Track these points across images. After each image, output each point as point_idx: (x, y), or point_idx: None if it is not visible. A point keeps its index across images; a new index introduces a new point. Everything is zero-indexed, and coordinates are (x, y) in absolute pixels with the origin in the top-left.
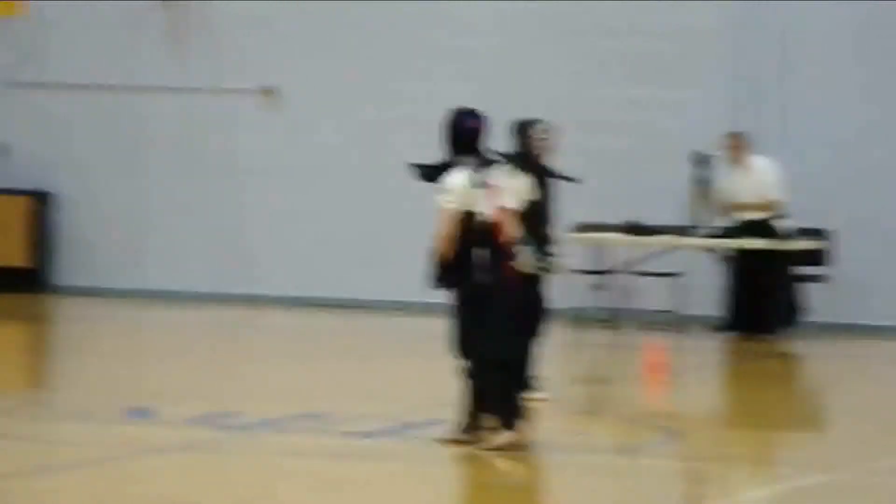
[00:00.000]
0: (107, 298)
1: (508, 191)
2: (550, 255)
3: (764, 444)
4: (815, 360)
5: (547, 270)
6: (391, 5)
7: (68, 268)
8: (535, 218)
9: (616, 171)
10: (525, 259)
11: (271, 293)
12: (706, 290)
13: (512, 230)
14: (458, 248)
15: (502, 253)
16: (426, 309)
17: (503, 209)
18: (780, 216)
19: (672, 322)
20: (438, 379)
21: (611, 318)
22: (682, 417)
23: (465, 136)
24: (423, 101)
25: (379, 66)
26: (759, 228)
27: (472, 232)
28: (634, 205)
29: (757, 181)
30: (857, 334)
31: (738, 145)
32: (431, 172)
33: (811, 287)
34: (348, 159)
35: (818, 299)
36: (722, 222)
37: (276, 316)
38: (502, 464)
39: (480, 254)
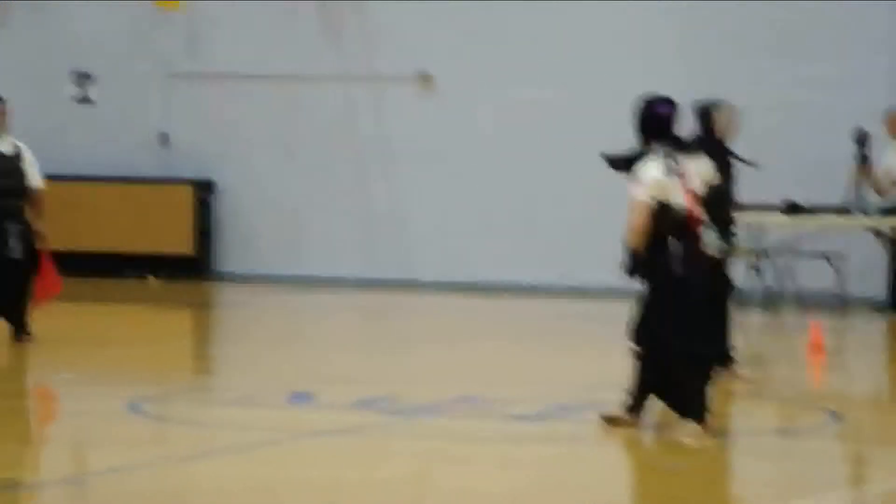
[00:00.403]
0: (267, 285)
1: (694, 175)
2: (734, 237)
3: None
4: None
5: (731, 253)
6: None
7: (230, 255)
8: (718, 201)
9: (775, 150)
10: (710, 242)
11: (427, 278)
12: (868, 270)
13: (699, 215)
14: (652, 238)
15: (696, 242)
16: (584, 293)
17: (692, 194)
18: None
19: (833, 303)
20: (597, 363)
21: (771, 300)
22: (843, 399)
23: (657, 123)
24: (580, 85)
25: (534, 50)
26: None
27: (667, 222)
28: (794, 184)
29: None
30: None
31: None
32: (624, 163)
33: None
34: (504, 144)
35: None
36: (884, 201)
37: (432, 301)
38: (664, 446)
39: (676, 245)
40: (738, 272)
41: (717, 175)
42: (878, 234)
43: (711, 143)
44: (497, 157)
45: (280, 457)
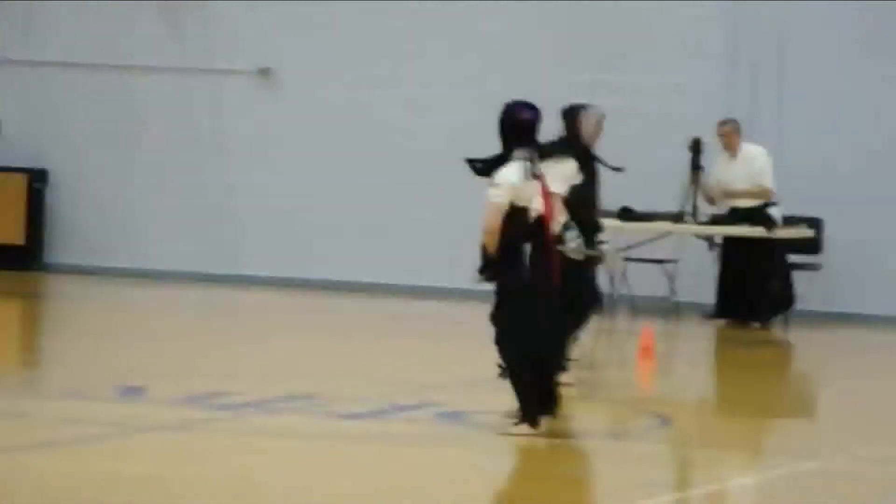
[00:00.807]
0: (100, 277)
1: (555, 176)
2: (599, 242)
3: (753, 430)
4: (806, 348)
5: (596, 257)
6: None
7: (62, 245)
8: (581, 204)
9: (611, 157)
10: (572, 245)
11: (261, 273)
12: (698, 276)
13: (559, 216)
14: (505, 241)
15: (549, 247)
16: (413, 291)
17: (550, 195)
18: (771, 204)
19: (664, 308)
20: (429, 361)
21: (604, 304)
22: (672, 403)
23: (517, 128)
24: (415, 82)
25: (371, 47)
26: (751, 216)
27: (520, 226)
28: (629, 191)
29: (748, 169)
30: (848, 323)
31: (729, 132)
32: (487, 167)
33: (803, 275)
34: (342, 141)
35: (809, 287)
36: (714, 209)
37: (266, 296)
38: (492, 447)
39: (527, 249)
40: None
41: (581, 177)
42: (709, 241)
43: (576, 147)
44: (334, 154)
45: (106, 451)
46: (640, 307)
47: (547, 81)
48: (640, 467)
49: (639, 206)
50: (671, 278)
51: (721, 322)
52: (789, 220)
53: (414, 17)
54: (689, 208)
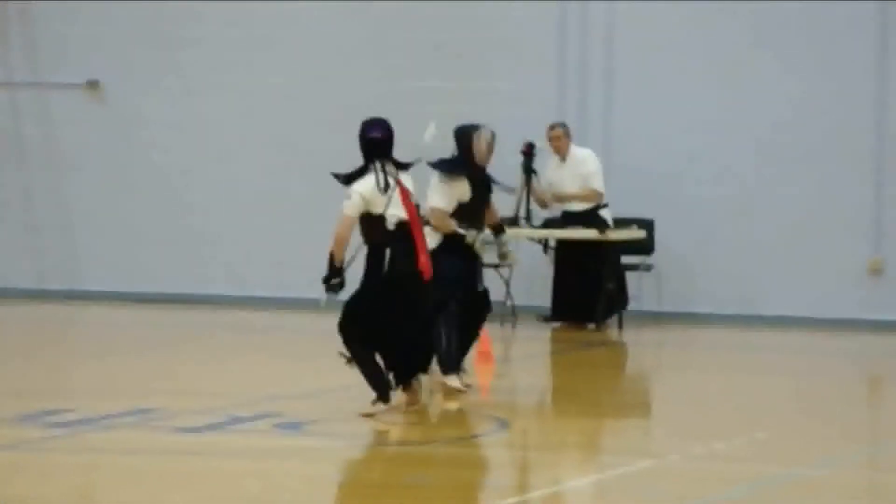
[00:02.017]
0: None
1: (437, 191)
2: (502, 243)
3: (590, 431)
4: (640, 347)
5: (504, 254)
6: None
7: None
8: (470, 217)
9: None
10: (477, 243)
11: (95, 288)
12: (533, 280)
13: (443, 227)
14: (368, 247)
15: (417, 248)
16: (244, 302)
17: (431, 209)
18: (602, 206)
19: (500, 312)
20: (269, 374)
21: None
22: (510, 406)
23: (370, 145)
24: (245, 94)
25: (200, 59)
26: (582, 219)
27: (377, 232)
28: None
29: (578, 172)
30: (681, 322)
31: (559, 136)
32: (344, 179)
33: (635, 276)
34: (170, 153)
35: (642, 288)
36: (547, 213)
37: (100, 312)
38: (331, 457)
39: (387, 251)
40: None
41: (470, 194)
42: (544, 245)
43: (469, 167)
44: (167, 165)
45: None
46: None
47: (379, 89)
48: (480, 471)
49: None
50: (507, 282)
51: (557, 324)
52: (621, 222)
53: (246, 27)
54: (522, 212)
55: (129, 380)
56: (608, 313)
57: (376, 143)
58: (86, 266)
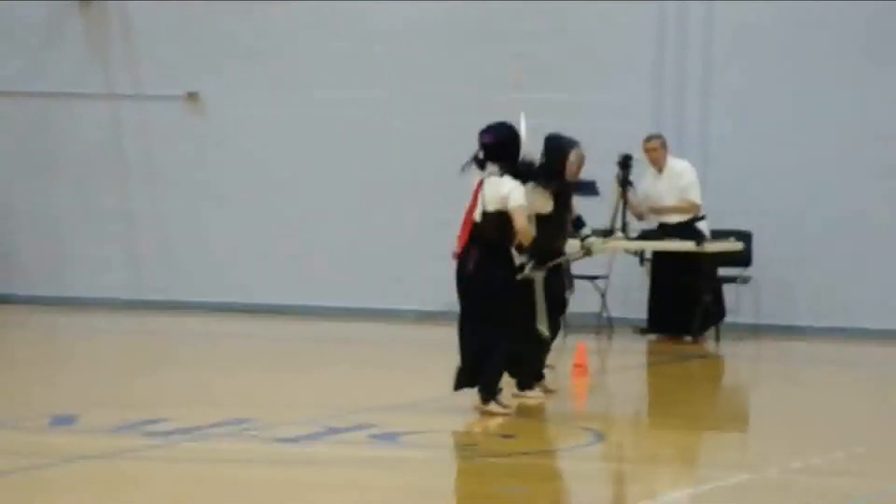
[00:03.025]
0: (28, 305)
1: (524, 194)
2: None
3: (686, 444)
4: (737, 360)
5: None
6: (308, 8)
7: None
8: (552, 234)
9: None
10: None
11: (191, 299)
12: (629, 292)
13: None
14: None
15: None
16: (337, 314)
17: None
18: (699, 218)
19: (597, 324)
20: (364, 385)
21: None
22: (606, 419)
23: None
24: (341, 107)
25: (297, 72)
26: (679, 231)
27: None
28: None
29: (675, 184)
30: (779, 335)
31: (656, 148)
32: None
33: (732, 288)
34: (271, 164)
35: (740, 300)
36: (643, 225)
37: (198, 322)
38: (427, 468)
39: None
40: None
41: (550, 205)
42: (640, 257)
43: (558, 181)
44: (264, 177)
45: (38, 482)
46: (573, 324)
47: (473, 102)
48: (576, 484)
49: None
50: (602, 294)
51: (653, 336)
52: (718, 234)
53: (342, 40)
54: (618, 224)
55: (226, 390)
56: (705, 326)
57: (483, 147)
58: (182, 277)
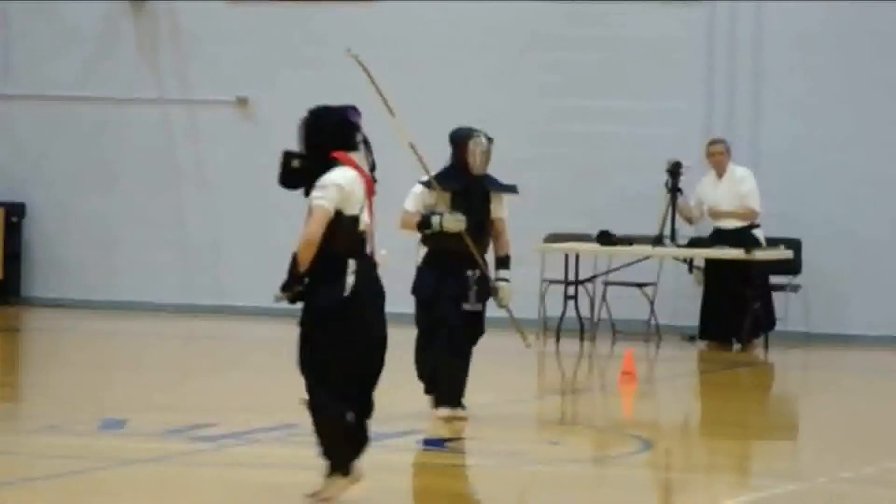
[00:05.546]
0: (80, 310)
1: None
2: (501, 278)
3: (737, 453)
4: (787, 369)
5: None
6: (359, 14)
7: (41, 279)
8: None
9: (589, 181)
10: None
11: (243, 304)
12: (677, 299)
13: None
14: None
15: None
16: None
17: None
18: (756, 226)
19: (645, 331)
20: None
21: (584, 328)
22: (654, 427)
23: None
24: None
25: (346, 77)
26: (736, 237)
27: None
28: (608, 214)
29: (735, 190)
30: (830, 344)
31: (720, 152)
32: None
33: (784, 296)
34: None
35: (789, 309)
36: (692, 231)
37: (247, 327)
38: (471, 475)
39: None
40: (530, 300)
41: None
42: (689, 264)
43: (462, 175)
44: None
45: (88, 485)
46: (621, 331)
47: (527, 106)
48: (624, 493)
49: (618, 230)
50: (651, 301)
51: (701, 344)
52: (769, 242)
53: (395, 46)
54: (667, 231)
55: (274, 395)
56: (755, 334)
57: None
58: (233, 282)
